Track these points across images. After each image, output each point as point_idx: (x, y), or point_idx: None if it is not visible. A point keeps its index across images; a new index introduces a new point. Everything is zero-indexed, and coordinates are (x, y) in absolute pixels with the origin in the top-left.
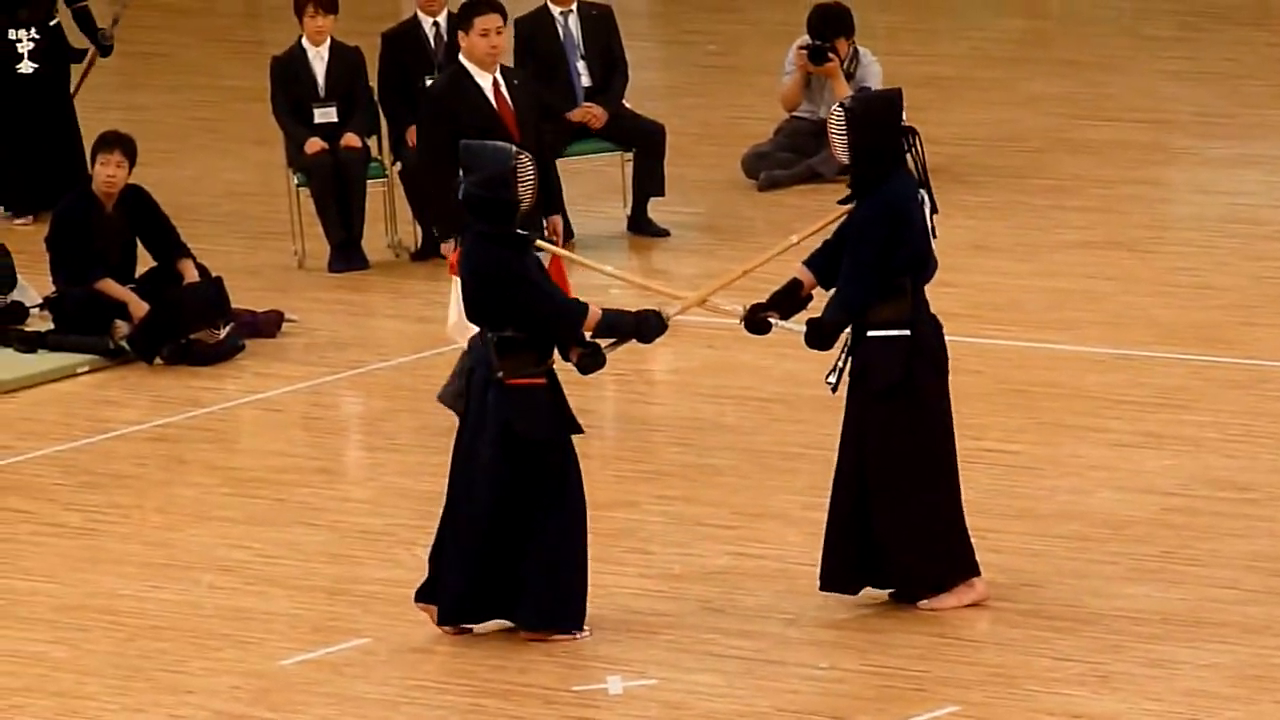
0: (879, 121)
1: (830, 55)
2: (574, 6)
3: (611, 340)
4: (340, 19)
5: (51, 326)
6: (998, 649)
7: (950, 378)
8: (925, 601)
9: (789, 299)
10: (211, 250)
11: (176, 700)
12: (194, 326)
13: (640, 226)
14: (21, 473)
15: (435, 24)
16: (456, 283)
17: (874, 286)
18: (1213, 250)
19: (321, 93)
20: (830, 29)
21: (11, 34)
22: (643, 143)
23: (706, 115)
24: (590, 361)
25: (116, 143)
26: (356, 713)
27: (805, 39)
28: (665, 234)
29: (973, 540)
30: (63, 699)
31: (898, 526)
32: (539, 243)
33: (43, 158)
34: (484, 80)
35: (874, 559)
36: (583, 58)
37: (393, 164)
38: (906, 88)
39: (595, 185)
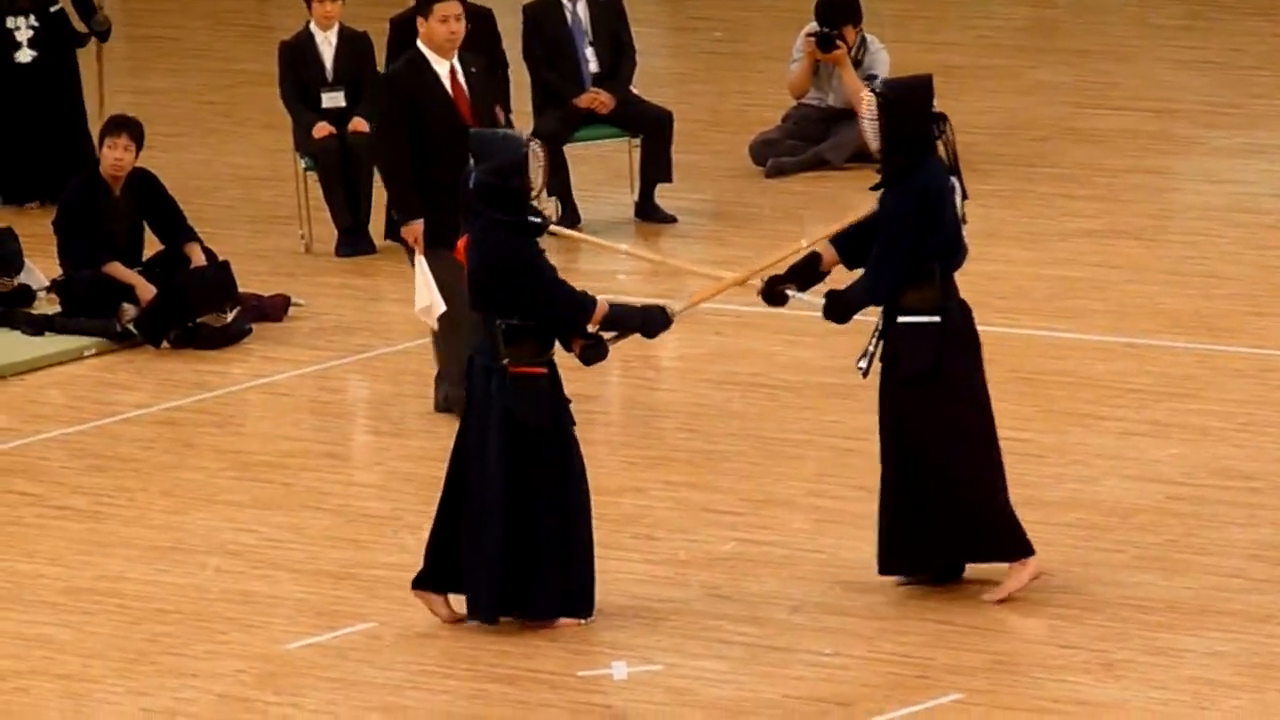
0: (911, 108)
1: (838, 43)
2: None
3: (615, 333)
4: (349, 4)
5: (59, 309)
6: (1003, 636)
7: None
8: (987, 595)
9: (807, 272)
10: (219, 234)
11: (181, 683)
12: (201, 310)
13: (648, 213)
14: (28, 455)
15: None
16: (423, 263)
17: (903, 273)
18: (1219, 239)
19: (329, 77)
20: (838, 16)
21: (9, 22)
22: (650, 129)
23: (714, 102)
24: (593, 353)
25: (124, 126)
26: (361, 697)
27: (813, 26)
28: (673, 220)
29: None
30: (68, 682)
31: (942, 509)
32: (553, 228)
33: (45, 146)
34: (441, 67)
35: (920, 542)
36: (591, 44)
37: None
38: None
39: (603, 171)
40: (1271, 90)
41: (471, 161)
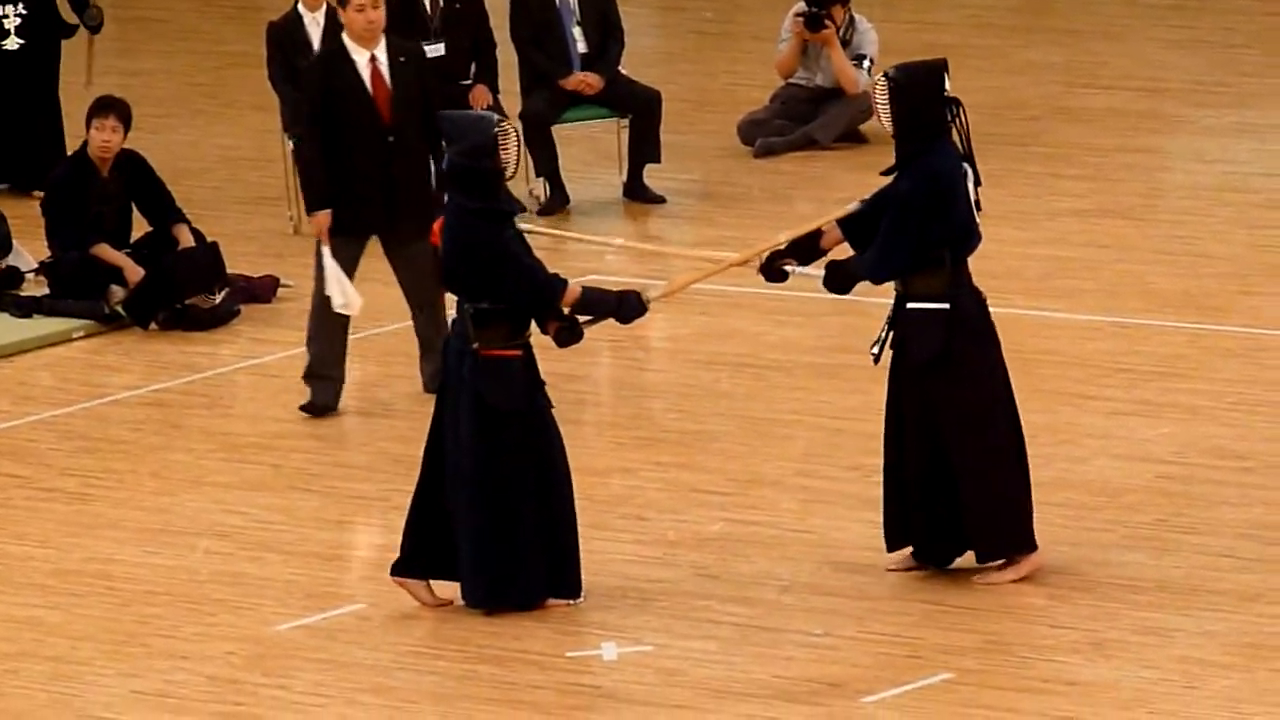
0: (923, 92)
1: (826, 22)
2: None
3: (590, 317)
4: None
5: (47, 291)
6: (993, 616)
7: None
8: (980, 578)
9: (808, 248)
10: (207, 215)
11: (171, 665)
12: (189, 292)
13: (636, 193)
14: (16, 438)
15: None
16: (326, 255)
17: (907, 257)
18: (1209, 219)
19: None
20: None
21: None
22: (639, 109)
23: (703, 82)
24: (567, 335)
25: (111, 107)
26: (350, 678)
27: (801, 6)
28: (661, 201)
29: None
30: (57, 664)
31: (951, 499)
32: (531, 227)
33: (29, 134)
34: (360, 57)
35: (949, 530)
36: (578, 24)
37: None
38: (902, 56)
39: (591, 152)
40: (1261, 69)
41: (444, 143)
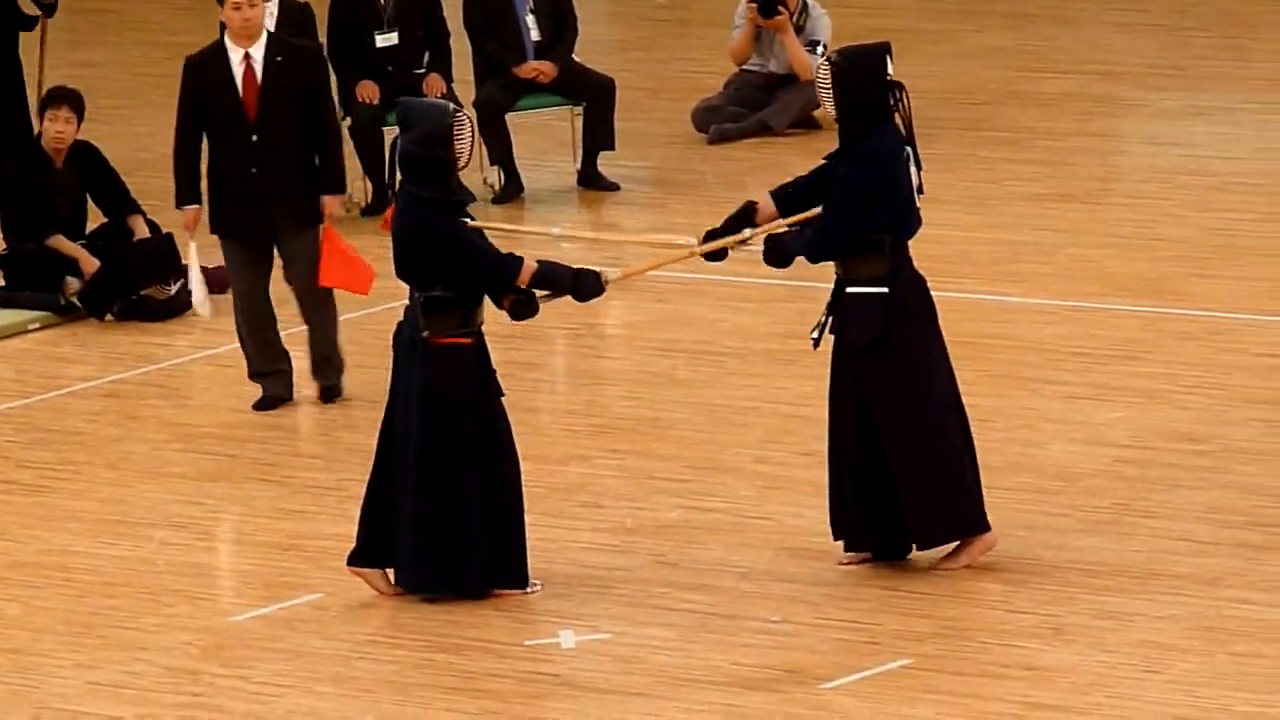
0: (864, 75)
1: (779, 9)
2: None
3: (546, 293)
4: None
5: (2, 283)
6: (951, 602)
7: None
8: (939, 565)
9: (743, 223)
10: (162, 206)
11: (129, 656)
12: (145, 283)
13: (590, 181)
14: None
15: None
16: (192, 252)
17: (847, 239)
18: (1163, 202)
19: None
20: None
21: None
22: (593, 97)
23: (656, 69)
24: (523, 309)
25: (64, 98)
26: (309, 668)
27: None
28: (615, 188)
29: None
30: (16, 656)
31: (895, 484)
32: (477, 223)
33: None
34: (235, 55)
35: (884, 517)
36: (532, 12)
37: (342, 119)
38: (856, 40)
39: (545, 140)
40: (1214, 52)
41: (398, 130)
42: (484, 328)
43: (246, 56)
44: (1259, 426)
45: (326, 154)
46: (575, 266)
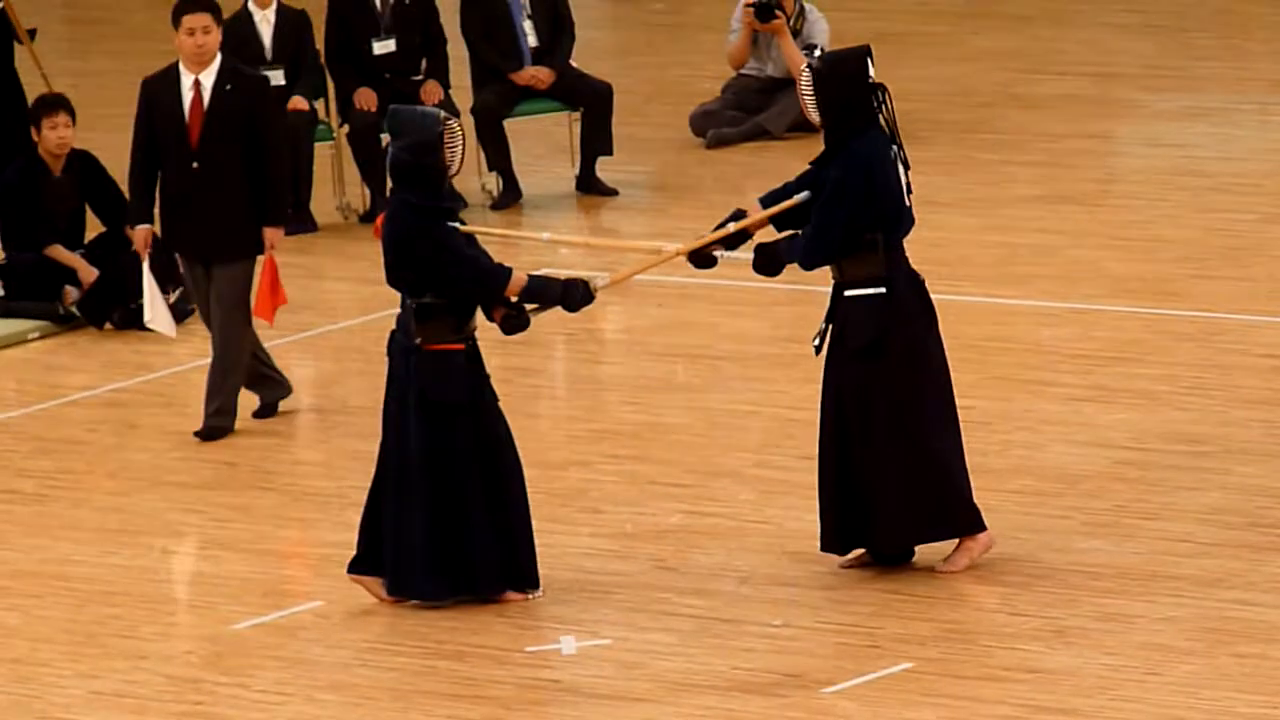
0: (845, 78)
1: (777, 13)
2: None
3: (536, 305)
4: None
5: (2, 293)
6: (952, 605)
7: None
8: (939, 567)
9: (734, 232)
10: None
11: (130, 665)
12: (143, 292)
13: (589, 186)
14: None
15: None
16: (146, 272)
17: (837, 243)
18: (1162, 203)
19: (268, 56)
20: None
21: None
22: (590, 102)
23: (654, 74)
24: (515, 323)
25: (58, 104)
26: (310, 676)
27: None
28: (614, 193)
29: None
30: (16, 666)
31: (882, 484)
32: (467, 227)
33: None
34: (186, 80)
35: (861, 518)
36: (529, 18)
37: (340, 127)
38: (853, 43)
39: (543, 145)
40: (1213, 53)
41: (390, 138)
42: (481, 333)
43: (196, 83)
44: (1260, 427)
45: (269, 185)
46: (563, 277)
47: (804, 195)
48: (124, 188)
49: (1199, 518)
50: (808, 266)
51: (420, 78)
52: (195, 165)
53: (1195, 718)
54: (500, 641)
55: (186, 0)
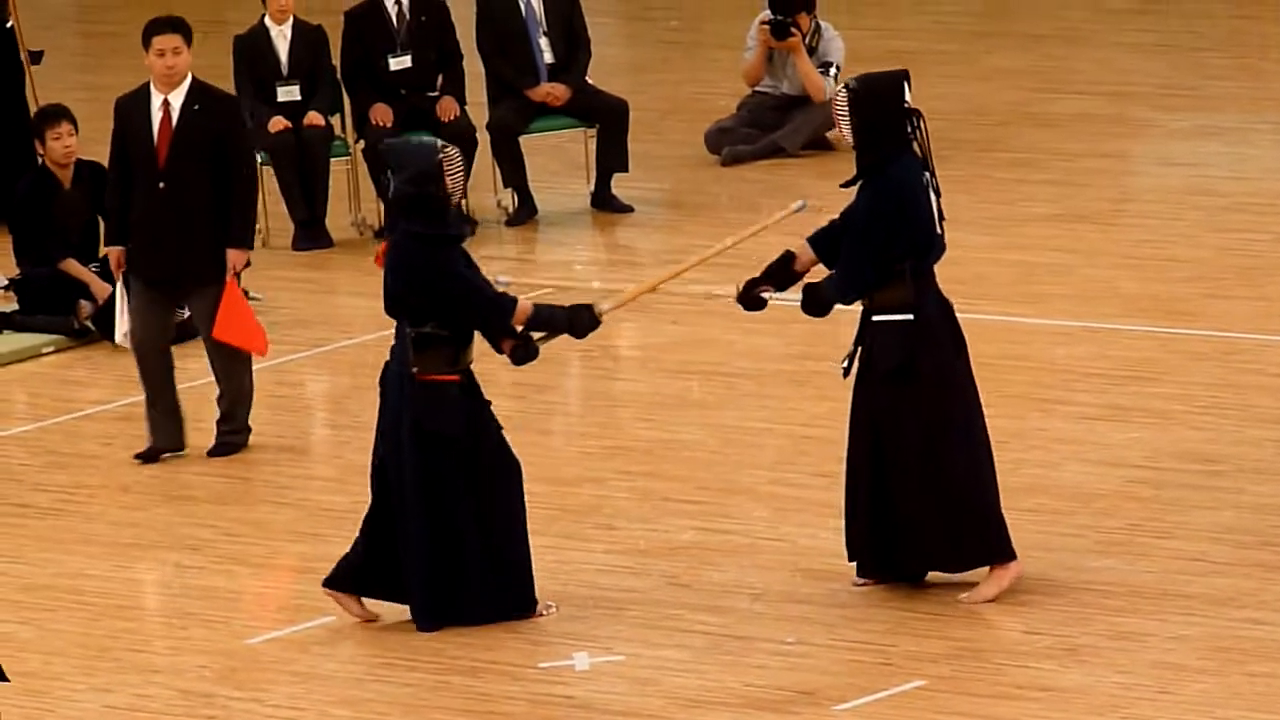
0: (883, 102)
1: (792, 30)
2: None
3: (544, 334)
4: None
5: (15, 307)
6: (965, 623)
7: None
8: (964, 596)
9: (783, 272)
10: None
11: (143, 679)
12: None
13: (604, 202)
14: None
15: (398, 2)
16: (120, 289)
17: (872, 272)
18: (1177, 222)
19: (285, 71)
20: (792, 4)
21: None
22: (606, 119)
23: (669, 91)
24: (523, 353)
25: (60, 114)
26: (324, 691)
27: (767, 14)
28: (629, 210)
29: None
30: (29, 679)
31: (914, 509)
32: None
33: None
34: (156, 100)
35: (894, 542)
36: (545, 34)
37: (355, 142)
38: (869, 62)
39: (559, 161)
40: (1227, 73)
41: (389, 173)
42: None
43: (166, 103)
44: (1273, 446)
45: (234, 206)
46: (568, 305)
47: None
48: None
49: (1212, 537)
50: (848, 300)
51: (436, 94)
52: (161, 186)
53: None
54: (513, 657)
55: (156, 21)
